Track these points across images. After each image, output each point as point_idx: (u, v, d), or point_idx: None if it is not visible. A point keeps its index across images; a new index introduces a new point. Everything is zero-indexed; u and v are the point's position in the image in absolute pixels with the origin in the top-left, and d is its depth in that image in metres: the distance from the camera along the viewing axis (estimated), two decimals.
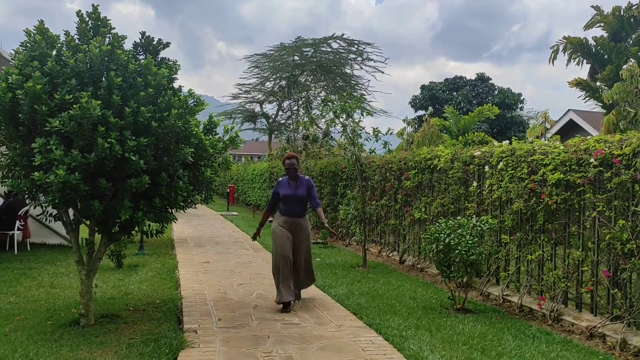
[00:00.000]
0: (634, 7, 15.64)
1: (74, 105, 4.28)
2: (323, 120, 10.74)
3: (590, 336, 5.19)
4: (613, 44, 15.90)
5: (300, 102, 23.73)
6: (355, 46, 27.56)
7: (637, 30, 15.98)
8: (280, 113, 30.22)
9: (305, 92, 25.78)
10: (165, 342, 4.66)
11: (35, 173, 4.35)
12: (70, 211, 5.20)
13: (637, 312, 4.92)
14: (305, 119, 21.51)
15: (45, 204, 5.02)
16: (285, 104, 29.01)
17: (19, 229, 9.60)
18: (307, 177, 6.37)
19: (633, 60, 14.00)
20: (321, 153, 16.29)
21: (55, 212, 5.29)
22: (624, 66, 12.60)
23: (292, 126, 21.58)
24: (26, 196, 5.24)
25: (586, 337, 5.19)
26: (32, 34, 4.78)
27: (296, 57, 27.69)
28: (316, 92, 28.18)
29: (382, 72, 27.49)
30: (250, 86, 29.67)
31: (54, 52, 4.77)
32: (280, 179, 6.46)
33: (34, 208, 6.34)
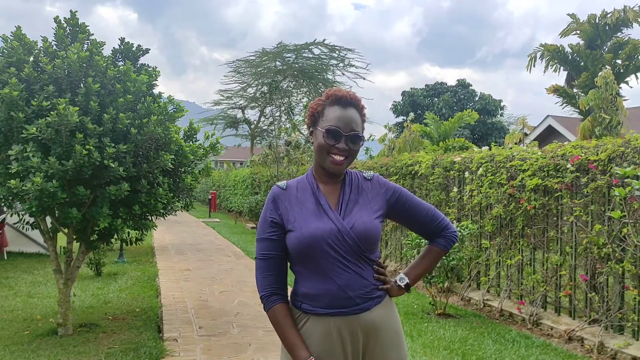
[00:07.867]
0: (608, 15, 15.98)
1: (52, 112, 4.23)
2: (305, 126, 10.77)
3: (568, 339, 5.26)
4: (589, 52, 16.22)
5: (282, 108, 23.74)
6: (337, 52, 27.74)
7: (612, 37, 16.32)
8: (262, 119, 30.20)
9: (287, 98, 25.80)
10: (145, 351, 4.61)
11: (12, 181, 4.27)
12: (48, 219, 5.13)
13: (614, 315, 5.00)
14: (288, 125, 21.50)
15: (22, 212, 4.94)
16: (268, 109, 29.03)
17: None
18: (371, 173, 2.01)
19: (608, 67, 14.28)
20: (304, 159, 16.30)
21: (32, 220, 5.21)
22: (599, 73, 12.83)
23: (274, 132, 21.56)
24: (2, 204, 5.15)
25: (565, 341, 5.26)
26: (9, 40, 4.72)
27: (278, 63, 27.74)
28: (298, 98, 28.26)
29: (364, 79, 27.73)
30: (232, 92, 29.66)
31: (32, 59, 4.72)
32: (277, 185, 1.99)
33: (11, 216, 6.23)
